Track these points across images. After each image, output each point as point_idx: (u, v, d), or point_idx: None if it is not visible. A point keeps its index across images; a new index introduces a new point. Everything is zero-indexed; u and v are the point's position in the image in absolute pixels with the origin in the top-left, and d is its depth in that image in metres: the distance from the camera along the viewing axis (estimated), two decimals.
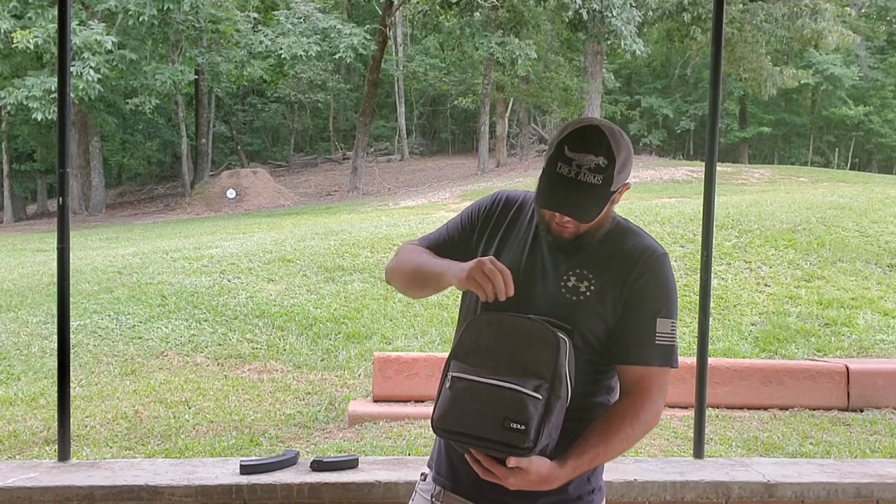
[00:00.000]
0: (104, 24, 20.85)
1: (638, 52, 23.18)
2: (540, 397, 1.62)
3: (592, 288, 1.78)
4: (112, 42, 20.26)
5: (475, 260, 1.73)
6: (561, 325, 1.73)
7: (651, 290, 1.79)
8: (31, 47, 19.23)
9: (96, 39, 19.73)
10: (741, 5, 24.91)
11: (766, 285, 8.39)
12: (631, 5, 22.28)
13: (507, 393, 1.62)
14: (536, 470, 1.66)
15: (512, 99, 30.09)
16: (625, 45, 22.44)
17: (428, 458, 1.98)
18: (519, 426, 1.60)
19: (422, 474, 1.95)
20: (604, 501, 1.90)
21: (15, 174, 27.09)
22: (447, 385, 1.68)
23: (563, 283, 1.79)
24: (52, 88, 19.27)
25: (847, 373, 5.57)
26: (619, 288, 1.79)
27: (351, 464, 2.85)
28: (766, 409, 5.45)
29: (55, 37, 18.54)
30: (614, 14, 21.59)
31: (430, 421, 1.71)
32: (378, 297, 8.09)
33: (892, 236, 9.83)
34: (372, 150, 33.13)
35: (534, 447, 1.61)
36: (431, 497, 1.88)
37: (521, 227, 1.89)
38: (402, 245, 2.03)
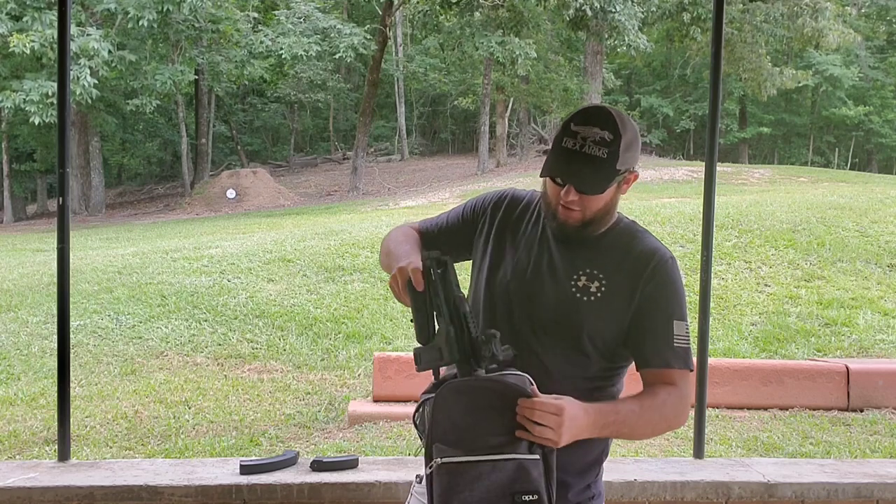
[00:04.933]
0: (101, 31, 20.77)
1: (642, 47, 23.13)
2: (537, 457, 1.57)
3: (603, 289, 1.76)
4: (109, 50, 20.19)
5: (397, 266, 1.71)
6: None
7: (665, 293, 1.77)
8: (28, 51, 19.19)
9: (93, 46, 19.65)
10: (741, 5, 24.87)
11: (766, 285, 8.39)
12: (633, 2, 22.25)
13: (507, 465, 1.54)
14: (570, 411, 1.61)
15: (512, 99, 30.06)
16: (628, 40, 22.40)
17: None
18: (531, 497, 1.53)
19: (417, 476, 1.92)
20: None
21: (15, 174, 27.08)
22: (436, 475, 1.57)
23: (573, 283, 1.77)
24: (50, 93, 19.19)
25: (847, 373, 5.57)
26: (630, 290, 1.76)
27: (351, 464, 2.85)
28: (766, 409, 5.45)
29: (52, 41, 18.53)
30: (617, 10, 21.57)
31: None
32: (378, 297, 8.08)
33: (892, 236, 9.82)
34: (372, 150, 33.09)
35: None
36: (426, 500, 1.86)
37: (528, 225, 1.86)
38: (400, 225, 2.00)
